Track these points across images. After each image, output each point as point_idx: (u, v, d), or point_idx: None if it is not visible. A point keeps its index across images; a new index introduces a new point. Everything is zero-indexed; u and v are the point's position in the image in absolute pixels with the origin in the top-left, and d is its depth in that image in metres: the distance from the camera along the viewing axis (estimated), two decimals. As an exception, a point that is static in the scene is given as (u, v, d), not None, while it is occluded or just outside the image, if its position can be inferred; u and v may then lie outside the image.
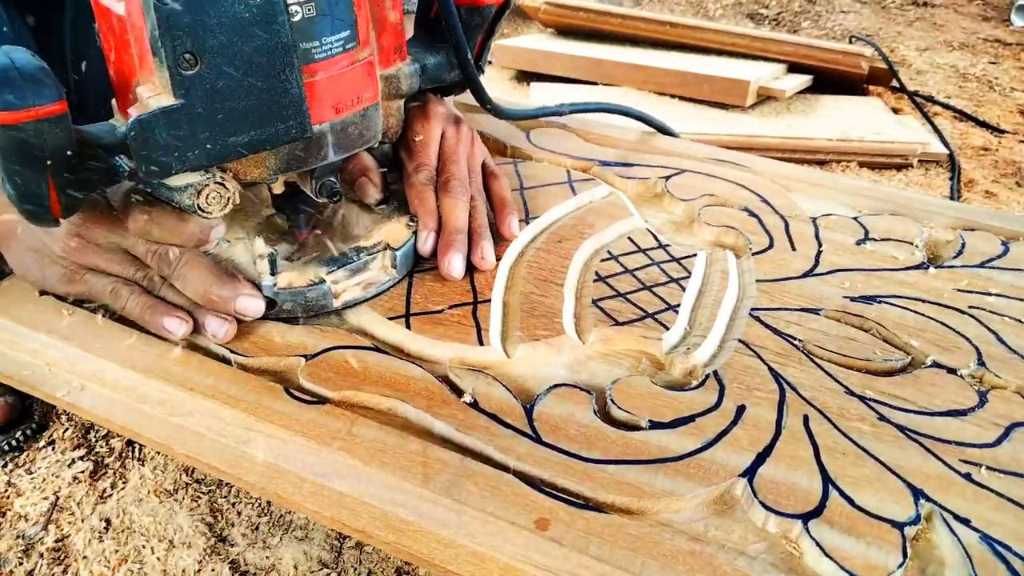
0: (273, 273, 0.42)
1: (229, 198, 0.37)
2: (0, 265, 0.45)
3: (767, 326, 0.44)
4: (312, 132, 0.37)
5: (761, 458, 0.35)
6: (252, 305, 0.41)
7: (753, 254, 0.50)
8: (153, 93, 0.33)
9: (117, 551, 0.45)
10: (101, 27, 0.35)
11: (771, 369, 0.41)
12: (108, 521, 0.47)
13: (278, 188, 0.43)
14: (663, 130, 0.69)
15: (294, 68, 0.35)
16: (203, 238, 0.41)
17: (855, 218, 0.55)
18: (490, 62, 1.29)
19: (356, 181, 0.48)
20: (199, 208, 0.37)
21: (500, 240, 0.50)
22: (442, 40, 0.46)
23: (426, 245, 0.47)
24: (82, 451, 0.52)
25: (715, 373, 0.40)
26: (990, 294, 0.48)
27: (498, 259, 0.48)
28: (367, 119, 0.40)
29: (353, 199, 0.49)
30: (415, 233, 0.47)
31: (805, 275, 0.49)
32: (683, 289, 0.47)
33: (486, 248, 0.47)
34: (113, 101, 0.38)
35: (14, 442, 0.52)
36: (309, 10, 0.35)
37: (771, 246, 0.51)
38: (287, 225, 0.45)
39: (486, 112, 0.53)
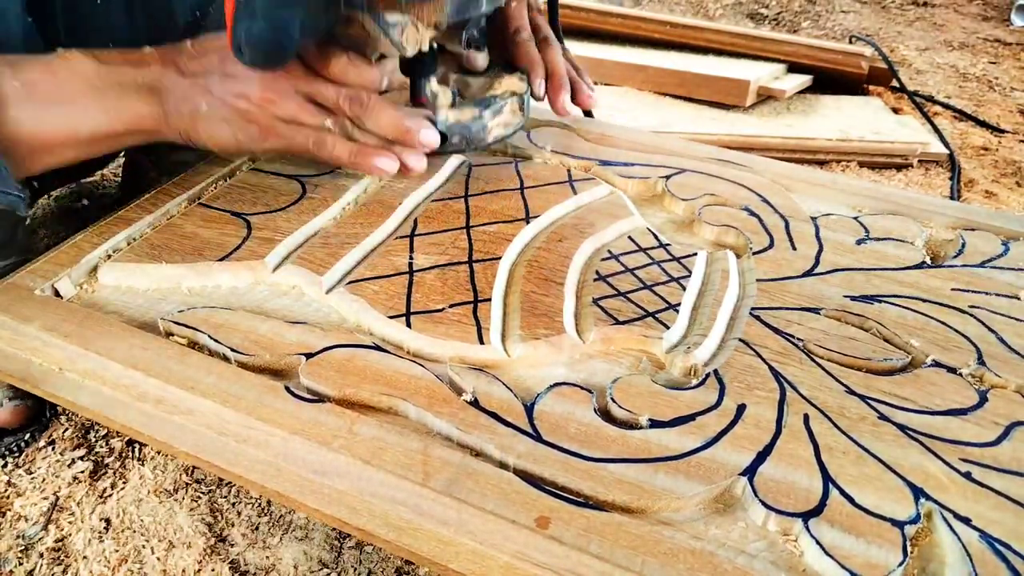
0: (452, 104, 0.51)
1: (419, 40, 0.45)
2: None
3: (767, 325, 0.44)
4: None
5: (761, 457, 0.35)
6: (433, 136, 0.48)
7: (753, 253, 0.50)
8: None
9: (117, 551, 0.45)
10: None
11: (771, 368, 0.41)
12: (108, 521, 0.47)
13: (425, 46, 0.48)
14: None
15: None
16: (381, 82, 0.47)
17: (855, 218, 0.55)
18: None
19: (466, 55, 0.54)
20: (401, 44, 0.45)
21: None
22: None
23: (540, 89, 0.55)
24: (82, 451, 0.52)
25: (715, 372, 0.40)
26: (990, 294, 0.48)
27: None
28: None
29: (457, 71, 0.56)
30: (529, 83, 0.55)
31: (805, 274, 0.49)
32: (683, 288, 0.47)
33: (588, 86, 0.58)
34: None
35: (23, 443, 0.52)
36: None
37: (771, 245, 0.51)
38: (410, 92, 0.52)
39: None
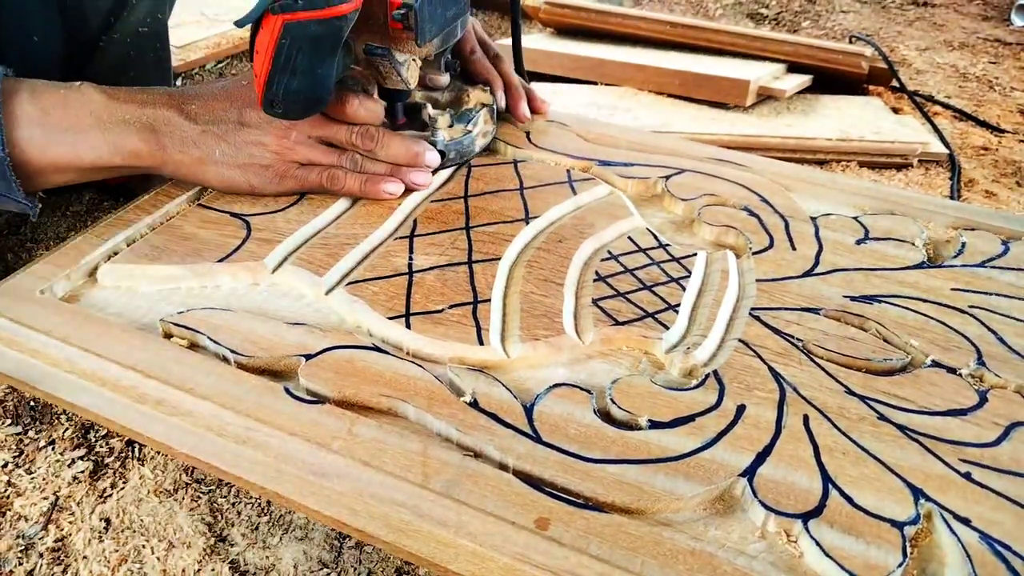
0: (451, 126, 0.56)
1: (417, 73, 0.51)
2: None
3: (767, 326, 0.44)
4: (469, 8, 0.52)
5: (761, 458, 0.35)
6: (435, 157, 0.54)
7: (753, 254, 0.50)
8: None
9: (117, 551, 0.45)
10: None
11: (771, 369, 0.41)
12: (108, 521, 0.47)
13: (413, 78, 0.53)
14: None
15: None
16: (380, 115, 0.53)
17: (855, 218, 0.55)
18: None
19: (425, 77, 0.59)
20: (407, 81, 0.51)
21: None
22: None
23: (502, 101, 0.62)
24: (82, 451, 0.52)
25: (715, 373, 0.40)
26: (990, 294, 0.48)
27: None
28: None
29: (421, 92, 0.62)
30: (492, 94, 0.61)
31: (805, 275, 0.49)
32: (683, 289, 0.47)
33: (536, 94, 0.66)
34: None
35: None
36: None
37: (771, 246, 0.51)
38: (387, 115, 0.56)
39: None
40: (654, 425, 0.37)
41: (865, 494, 0.34)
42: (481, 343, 0.42)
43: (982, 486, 0.35)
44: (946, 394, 0.40)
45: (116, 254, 0.48)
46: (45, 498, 0.49)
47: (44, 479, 0.50)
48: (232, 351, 0.41)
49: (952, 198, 0.88)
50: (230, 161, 0.50)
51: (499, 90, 0.62)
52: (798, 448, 0.36)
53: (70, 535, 0.47)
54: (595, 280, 0.47)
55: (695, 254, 0.50)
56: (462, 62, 0.63)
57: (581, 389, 0.39)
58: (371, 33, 0.48)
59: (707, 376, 0.40)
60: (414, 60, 0.49)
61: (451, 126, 0.56)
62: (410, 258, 0.48)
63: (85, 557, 0.45)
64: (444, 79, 0.60)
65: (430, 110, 0.56)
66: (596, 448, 0.36)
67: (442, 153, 0.55)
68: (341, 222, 0.51)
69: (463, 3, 0.50)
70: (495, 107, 0.61)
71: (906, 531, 0.32)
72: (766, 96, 1.07)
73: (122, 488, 0.49)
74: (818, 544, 0.31)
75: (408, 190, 0.53)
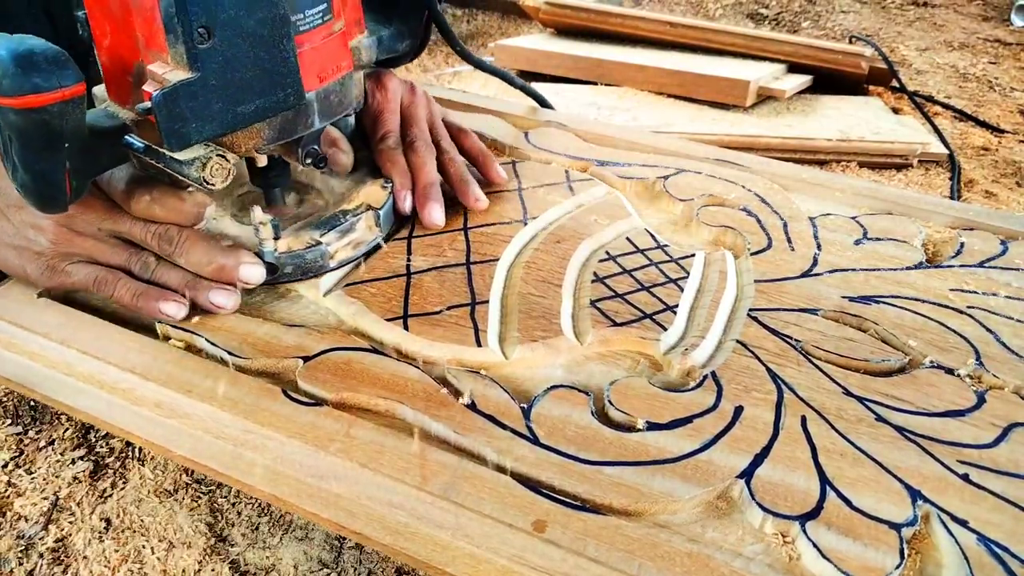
0: (276, 237, 0.44)
1: (229, 170, 0.39)
2: None
3: (765, 326, 0.44)
4: (305, 99, 0.40)
5: (759, 459, 0.35)
6: (255, 272, 0.43)
7: (751, 254, 0.50)
8: (168, 69, 0.35)
9: (117, 551, 0.45)
10: (93, 14, 0.36)
11: (769, 370, 0.41)
12: (108, 521, 0.47)
13: (262, 161, 0.44)
14: (542, 103, 0.74)
15: (290, 38, 0.37)
16: (200, 216, 0.43)
17: (854, 218, 0.55)
18: (491, 61, 1.29)
19: (327, 153, 0.50)
20: (205, 180, 0.38)
21: (490, 186, 0.55)
22: (392, 14, 0.51)
23: (405, 204, 0.50)
24: (82, 451, 0.52)
25: (713, 374, 0.40)
26: (989, 294, 0.48)
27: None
28: (345, 87, 0.43)
29: (323, 172, 0.52)
30: (391, 194, 0.50)
31: (803, 275, 0.49)
32: (681, 290, 0.47)
33: (476, 191, 0.52)
34: (99, 89, 0.39)
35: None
36: None
37: (769, 246, 0.51)
38: (263, 200, 0.48)
39: (455, 53, 0.62)
40: (652, 427, 0.37)
41: (863, 496, 0.34)
42: (479, 344, 0.42)
43: (980, 487, 0.35)
44: (944, 395, 0.40)
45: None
46: (45, 498, 0.49)
47: (44, 479, 0.50)
48: (230, 353, 0.41)
49: (952, 198, 0.88)
50: (7, 240, 0.43)
51: (402, 190, 0.50)
52: (796, 449, 0.36)
53: (70, 535, 0.47)
54: (593, 281, 0.47)
55: (693, 255, 0.50)
56: (372, 150, 0.54)
57: (579, 391, 0.39)
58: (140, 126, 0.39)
59: (705, 377, 0.40)
60: (222, 156, 0.39)
61: (277, 237, 0.44)
62: (408, 259, 0.48)
63: (85, 557, 0.45)
64: (343, 160, 0.51)
65: (257, 214, 0.43)
66: (594, 450, 0.36)
67: (272, 267, 0.44)
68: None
69: (289, 93, 0.38)
70: (384, 211, 0.49)
71: (904, 533, 0.32)
72: (766, 96, 1.07)
73: (122, 488, 0.49)
74: (816, 546, 0.31)
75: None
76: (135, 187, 0.42)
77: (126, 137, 0.38)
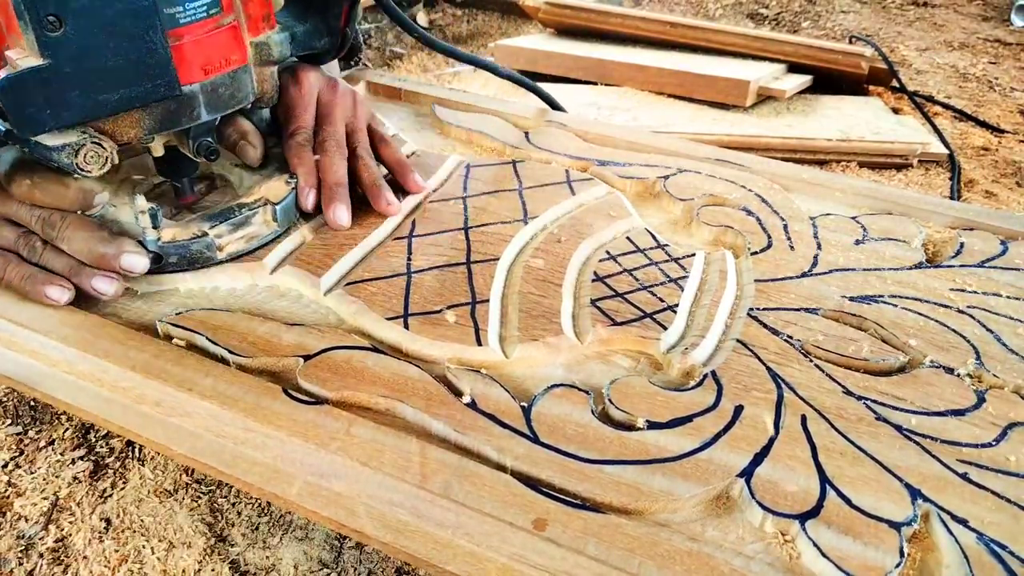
0: (155, 227, 0.44)
1: (107, 157, 0.38)
2: None
3: (765, 326, 0.44)
4: (182, 92, 0.39)
5: (759, 458, 0.35)
6: (137, 261, 0.42)
7: (752, 254, 0.50)
8: (21, 55, 0.35)
9: (117, 551, 0.45)
10: None
11: (769, 369, 0.41)
12: (108, 521, 0.47)
13: (157, 151, 0.44)
14: (553, 105, 0.73)
15: (157, 30, 0.37)
16: (86, 202, 0.43)
17: (854, 218, 0.55)
18: (491, 59, 1.29)
19: (236, 144, 0.50)
20: (78, 167, 0.38)
21: (408, 195, 0.54)
22: (309, 10, 0.50)
23: (307, 201, 0.49)
24: (82, 451, 0.52)
25: (713, 373, 0.40)
26: (989, 294, 0.48)
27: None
28: (237, 81, 0.43)
29: (236, 164, 0.51)
30: (295, 189, 0.49)
31: (803, 275, 0.49)
32: (681, 289, 0.47)
33: (388, 195, 0.51)
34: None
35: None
36: None
37: (769, 246, 0.51)
38: (174, 192, 0.48)
39: (416, 40, 0.62)
40: (652, 425, 0.37)
41: (863, 494, 0.34)
42: (479, 343, 0.42)
43: (980, 486, 0.35)
44: (944, 394, 0.40)
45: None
46: (45, 498, 0.49)
47: (44, 479, 0.50)
48: (231, 352, 0.41)
49: (952, 198, 0.88)
50: None
51: (306, 187, 0.49)
52: (796, 448, 0.36)
53: (70, 535, 0.47)
54: (593, 280, 0.47)
55: (693, 254, 0.50)
56: (279, 143, 0.53)
57: (579, 389, 0.39)
58: None
59: (705, 376, 0.40)
60: (99, 143, 0.38)
61: (156, 226, 0.44)
62: (408, 259, 0.48)
63: (85, 557, 0.45)
64: (251, 153, 0.50)
65: (139, 203, 0.43)
66: (594, 448, 0.36)
67: (157, 256, 0.44)
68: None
69: (159, 84, 0.38)
70: (283, 206, 0.48)
71: (904, 531, 0.32)
72: (766, 96, 1.07)
73: (122, 488, 0.49)
74: (815, 545, 0.31)
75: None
76: (17, 171, 0.42)
77: None
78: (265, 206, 0.47)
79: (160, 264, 0.45)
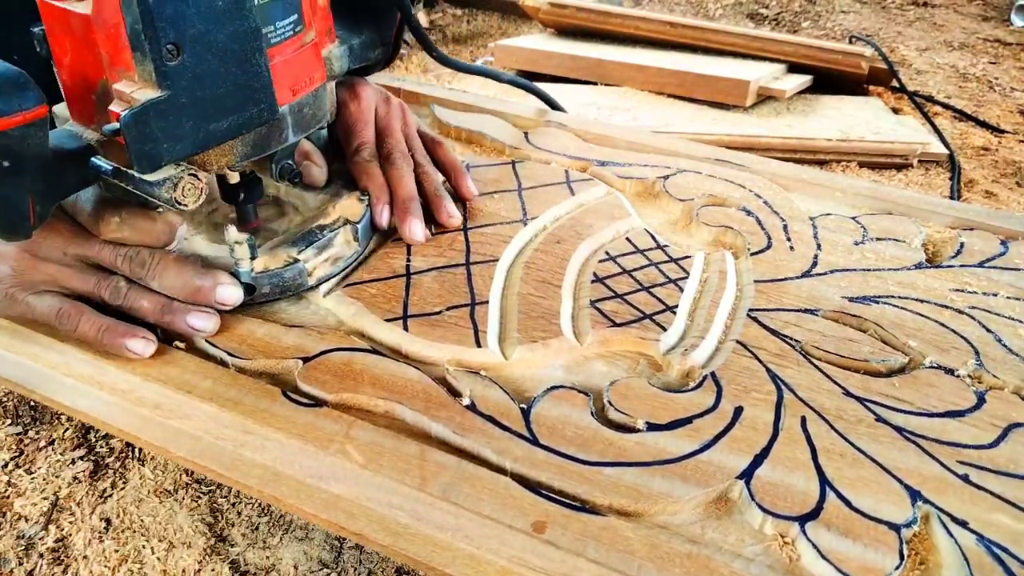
0: (253, 257, 0.42)
1: (202, 189, 0.37)
2: None
3: (765, 327, 0.44)
4: (279, 114, 0.38)
5: (758, 460, 0.35)
6: (232, 293, 0.41)
7: (751, 254, 0.50)
8: (135, 88, 0.33)
9: (117, 551, 0.45)
10: (52, 31, 0.35)
11: (769, 370, 0.41)
12: (108, 521, 0.47)
13: (233, 177, 0.43)
14: (555, 106, 0.73)
15: (262, 52, 0.35)
16: (171, 236, 0.41)
17: (854, 218, 0.55)
18: (490, 62, 1.29)
19: (300, 165, 0.48)
20: (176, 201, 0.36)
21: (459, 202, 0.53)
22: (363, 20, 0.49)
23: (382, 217, 0.49)
24: (82, 451, 0.52)
25: (713, 374, 0.40)
26: (989, 294, 0.48)
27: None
28: (319, 99, 0.42)
29: (296, 185, 0.49)
30: (369, 207, 0.48)
31: (803, 275, 0.49)
32: (681, 290, 0.47)
33: (450, 207, 0.51)
34: (59, 107, 0.38)
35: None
36: None
37: (769, 246, 0.51)
38: (234, 217, 0.46)
39: (432, 58, 0.61)
40: (651, 427, 0.37)
41: (862, 496, 0.34)
42: (479, 345, 0.42)
43: (980, 488, 0.35)
44: (944, 395, 0.40)
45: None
46: (45, 498, 0.49)
47: (44, 479, 0.50)
48: (230, 354, 0.41)
49: (952, 198, 0.88)
50: None
51: (379, 203, 0.48)
52: (795, 450, 0.36)
53: (70, 535, 0.47)
54: (593, 281, 0.47)
55: (693, 255, 0.50)
56: (347, 162, 0.52)
57: (579, 391, 0.39)
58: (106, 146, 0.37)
59: (705, 378, 0.40)
60: (194, 175, 0.37)
61: (254, 256, 0.42)
62: (408, 260, 0.48)
63: (85, 557, 0.45)
64: (316, 174, 0.49)
65: (232, 234, 0.41)
66: (593, 450, 0.36)
67: (250, 287, 0.43)
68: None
69: (263, 108, 0.37)
70: (362, 224, 0.47)
71: (903, 533, 0.32)
72: (766, 96, 1.07)
73: (122, 488, 0.49)
74: (815, 547, 0.31)
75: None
76: (103, 209, 0.40)
77: (92, 159, 0.36)
78: (345, 226, 0.46)
79: (253, 294, 0.43)
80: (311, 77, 0.40)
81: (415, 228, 0.48)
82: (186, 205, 0.37)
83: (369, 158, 0.50)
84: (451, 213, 0.51)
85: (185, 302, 0.41)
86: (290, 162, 0.43)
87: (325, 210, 0.48)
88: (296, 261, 0.44)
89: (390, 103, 0.55)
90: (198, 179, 0.37)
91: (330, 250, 0.46)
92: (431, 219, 0.51)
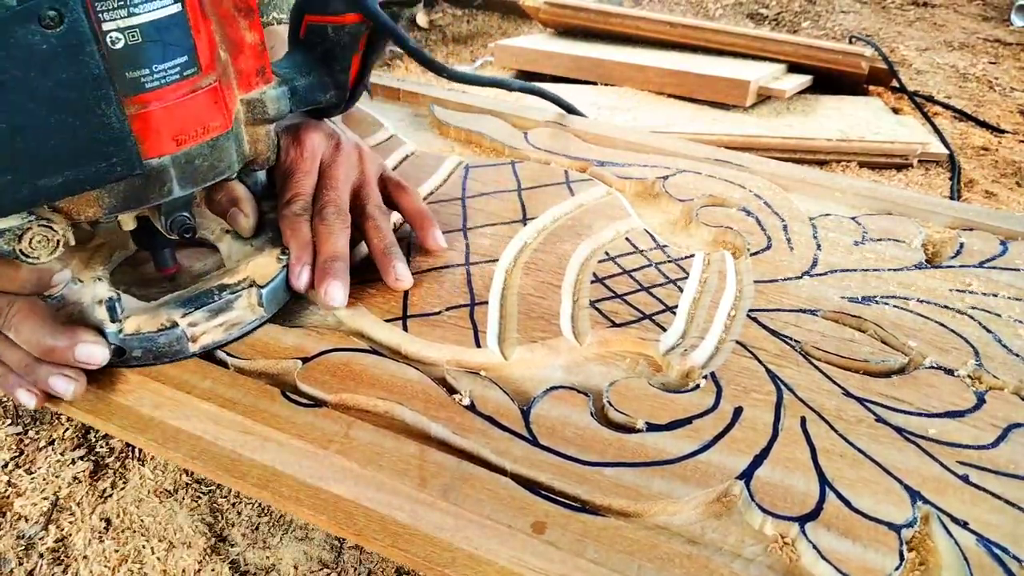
0: (114, 320, 0.38)
1: (59, 240, 0.34)
2: None
3: (765, 327, 0.44)
4: (144, 168, 0.34)
5: (758, 460, 0.35)
6: (96, 352, 0.37)
7: (751, 254, 0.50)
8: None
9: (117, 551, 0.45)
10: None
11: (768, 370, 0.41)
12: (108, 521, 0.47)
13: (128, 224, 0.39)
14: (571, 111, 0.71)
15: (111, 101, 0.31)
16: (42, 283, 0.38)
17: (854, 218, 0.55)
18: (490, 62, 1.29)
19: (227, 212, 0.44)
20: (21, 254, 0.33)
21: (428, 254, 0.49)
22: (317, 60, 0.45)
23: (300, 280, 0.43)
24: (82, 451, 0.52)
25: (712, 375, 0.40)
26: (989, 294, 0.48)
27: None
28: (218, 150, 0.37)
29: (227, 230, 0.46)
30: (287, 267, 0.43)
31: (803, 276, 0.49)
32: (680, 290, 0.47)
33: (399, 269, 0.45)
34: None
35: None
36: (133, 36, 0.32)
37: (769, 246, 0.51)
38: (154, 263, 0.42)
39: (435, 74, 0.57)
40: (651, 428, 0.37)
41: (862, 497, 0.34)
42: (478, 345, 0.42)
43: (980, 488, 0.35)
44: (944, 395, 0.40)
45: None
46: (45, 498, 0.49)
47: (44, 479, 0.50)
48: (229, 354, 0.41)
49: (952, 198, 0.88)
50: None
51: (298, 265, 0.43)
52: (795, 450, 0.36)
53: (70, 535, 0.47)
54: (592, 282, 0.47)
55: (693, 255, 0.50)
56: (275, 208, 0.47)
57: (578, 392, 0.39)
58: None
59: (704, 378, 0.40)
60: (48, 226, 0.33)
61: (115, 320, 0.38)
62: (407, 260, 0.48)
63: (85, 557, 0.45)
64: (243, 222, 0.44)
65: (98, 290, 0.38)
66: (593, 451, 0.36)
67: (120, 350, 0.39)
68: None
69: (115, 163, 0.32)
70: (271, 288, 0.42)
71: (903, 534, 0.32)
72: (766, 96, 1.07)
73: (122, 488, 0.49)
74: (815, 547, 0.31)
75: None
76: None
77: None
78: (250, 288, 0.41)
79: (123, 358, 0.39)
80: (206, 126, 0.36)
81: (333, 291, 0.42)
82: (38, 258, 0.34)
83: (300, 212, 0.45)
84: (399, 276, 0.45)
85: (42, 360, 0.37)
86: (184, 215, 0.38)
87: (237, 267, 0.43)
88: (174, 325, 0.39)
89: (339, 150, 0.49)
90: (52, 230, 0.33)
91: (228, 314, 0.41)
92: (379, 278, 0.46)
